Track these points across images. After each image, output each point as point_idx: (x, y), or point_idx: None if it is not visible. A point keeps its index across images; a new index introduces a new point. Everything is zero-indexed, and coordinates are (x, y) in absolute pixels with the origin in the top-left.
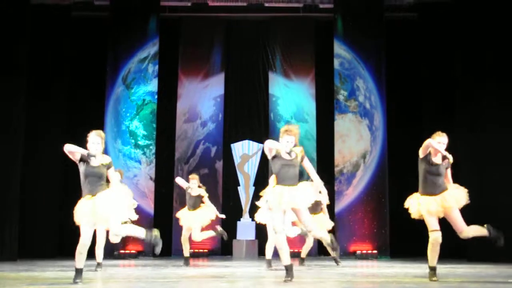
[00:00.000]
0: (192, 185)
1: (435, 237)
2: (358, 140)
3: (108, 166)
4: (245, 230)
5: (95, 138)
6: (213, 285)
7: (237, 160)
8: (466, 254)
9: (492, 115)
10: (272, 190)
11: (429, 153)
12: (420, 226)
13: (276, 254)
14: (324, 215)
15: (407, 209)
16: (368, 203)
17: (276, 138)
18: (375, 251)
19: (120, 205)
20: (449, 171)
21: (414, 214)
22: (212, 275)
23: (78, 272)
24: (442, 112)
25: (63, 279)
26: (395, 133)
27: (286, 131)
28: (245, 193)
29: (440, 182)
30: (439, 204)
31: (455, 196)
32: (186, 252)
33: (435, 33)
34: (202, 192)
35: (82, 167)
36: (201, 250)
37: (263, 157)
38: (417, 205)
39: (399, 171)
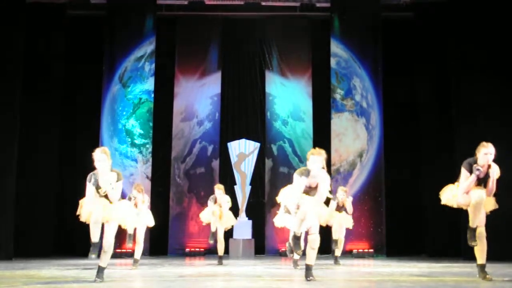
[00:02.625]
0: (218, 195)
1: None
2: (354, 139)
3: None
4: (241, 229)
5: (100, 156)
6: (210, 284)
7: (233, 159)
8: (461, 253)
9: (489, 113)
10: (305, 200)
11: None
12: (416, 226)
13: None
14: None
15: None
16: (364, 202)
17: (272, 137)
18: (371, 250)
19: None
20: (492, 181)
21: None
22: (209, 274)
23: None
24: (438, 111)
25: (58, 278)
26: (391, 132)
27: (312, 153)
28: (241, 192)
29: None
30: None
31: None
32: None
33: (432, 32)
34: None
35: (92, 188)
36: (198, 249)
37: (260, 156)
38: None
39: (396, 170)
